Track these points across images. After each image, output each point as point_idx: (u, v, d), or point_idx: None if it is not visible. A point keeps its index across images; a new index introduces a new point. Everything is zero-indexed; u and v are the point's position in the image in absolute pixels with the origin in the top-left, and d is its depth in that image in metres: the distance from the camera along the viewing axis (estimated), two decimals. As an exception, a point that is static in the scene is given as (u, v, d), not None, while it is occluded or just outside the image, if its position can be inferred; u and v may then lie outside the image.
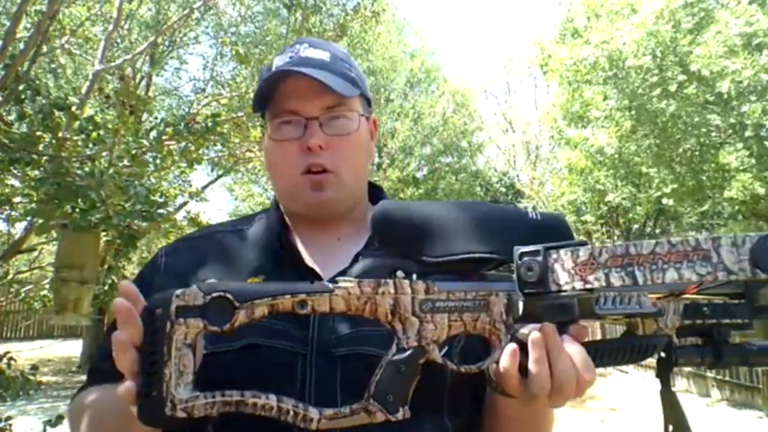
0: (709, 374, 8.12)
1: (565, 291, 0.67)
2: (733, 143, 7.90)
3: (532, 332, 0.68)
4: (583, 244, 0.68)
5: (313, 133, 0.90)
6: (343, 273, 0.87)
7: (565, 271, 0.67)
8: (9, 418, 3.03)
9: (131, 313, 0.65)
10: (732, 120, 7.80)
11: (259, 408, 0.65)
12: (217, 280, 0.69)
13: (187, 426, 0.65)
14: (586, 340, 0.71)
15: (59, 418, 2.98)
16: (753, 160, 7.55)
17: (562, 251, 0.68)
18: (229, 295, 0.65)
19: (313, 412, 0.65)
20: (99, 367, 0.90)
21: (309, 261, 0.91)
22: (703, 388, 8.26)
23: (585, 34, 9.12)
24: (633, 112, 8.64)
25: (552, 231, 0.72)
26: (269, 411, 0.65)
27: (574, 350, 0.67)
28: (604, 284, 0.66)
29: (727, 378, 7.77)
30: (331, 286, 0.68)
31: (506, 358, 0.68)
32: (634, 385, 9.04)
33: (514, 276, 0.69)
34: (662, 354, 0.73)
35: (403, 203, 0.77)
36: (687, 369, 8.57)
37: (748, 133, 7.45)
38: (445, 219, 0.72)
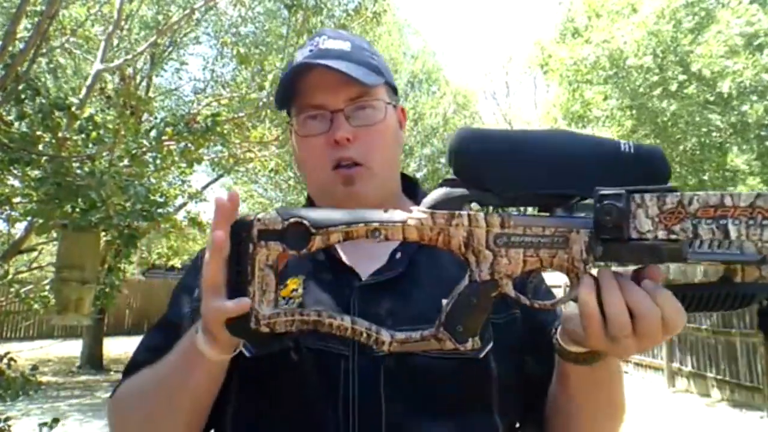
0: (710, 374, 8.12)
1: (647, 240, 0.63)
2: (737, 144, 7.90)
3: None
4: (673, 190, 0.63)
5: (340, 126, 0.88)
6: (380, 272, 0.87)
7: (648, 218, 0.63)
8: (9, 418, 3.02)
9: (232, 215, 0.68)
10: (733, 120, 7.80)
11: (335, 328, 0.67)
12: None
13: (270, 340, 0.73)
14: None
15: (55, 421, 2.98)
16: (759, 162, 7.56)
17: (647, 196, 0.63)
18: (306, 221, 0.67)
19: (385, 335, 0.67)
20: (143, 360, 0.89)
21: (345, 259, 0.90)
22: (704, 388, 8.25)
23: (585, 34, 9.11)
24: (634, 112, 8.64)
25: (646, 166, 0.66)
26: (344, 331, 0.67)
27: (650, 286, 0.63)
28: (691, 236, 0.62)
29: (728, 378, 7.77)
30: (405, 215, 0.67)
31: (584, 289, 0.63)
32: (634, 385, 9.03)
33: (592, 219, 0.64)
34: (764, 303, 0.67)
35: (483, 131, 0.72)
36: (687, 369, 8.56)
37: (751, 135, 7.45)
38: (527, 149, 0.68)
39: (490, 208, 0.69)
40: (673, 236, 0.62)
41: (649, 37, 7.84)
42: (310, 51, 0.92)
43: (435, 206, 0.68)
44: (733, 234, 0.61)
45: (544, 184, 0.67)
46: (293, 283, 0.85)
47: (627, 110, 8.79)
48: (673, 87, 7.80)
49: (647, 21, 7.85)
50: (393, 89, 0.99)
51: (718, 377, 7.95)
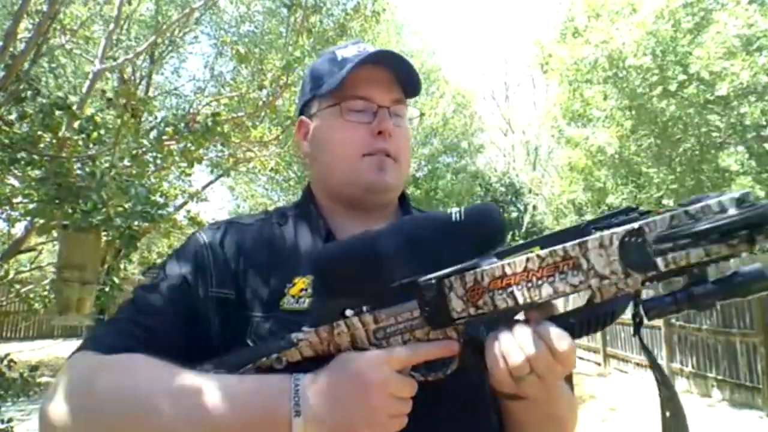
0: (710, 374, 8.12)
1: (462, 318, 0.69)
2: (733, 144, 7.90)
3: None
4: (505, 254, 0.68)
5: (387, 119, 0.95)
6: None
7: (459, 299, 0.69)
8: (11, 419, 3.02)
9: None
10: (732, 120, 7.80)
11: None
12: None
13: None
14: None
15: None
16: (753, 162, 7.55)
17: (453, 278, 0.69)
18: (221, 371, 0.75)
19: None
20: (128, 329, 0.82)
21: None
22: (704, 389, 8.26)
23: (585, 34, 9.10)
24: (633, 112, 8.64)
25: (477, 230, 0.72)
26: None
27: (532, 324, 0.68)
28: (491, 308, 0.68)
29: (728, 378, 7.77)
30: (295, 339, 0.76)
31: (488, 340, 0.69)
32: (634, 385, 9.03)
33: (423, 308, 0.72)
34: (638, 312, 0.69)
35: (337, 244, 0.83)
36: (688, 369, 8.56)
37: (749, 135, 7.45)
38: (379, 248, 0.74)
39: (364, 308, 0.74)
40: (480, 311, 0.68)
41: (648, 37, 7.84)
42: (359, 51, 0.98)
43: (317, 323, 0.76)
44: (520, 299, 0.67)
45: (402, 275, 0.72)
46: (302, 283, 0.86)
47: (626, 110, 8.79)
48: (673, 87, 7.80)
49: (646, 21, 7.84)
50: None
51: (719, 377, 7.95)
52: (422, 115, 13.96)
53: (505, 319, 0.69)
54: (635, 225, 0.63)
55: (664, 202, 9.32)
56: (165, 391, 0.71)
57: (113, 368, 0.75)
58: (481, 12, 55.72)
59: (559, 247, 0.65)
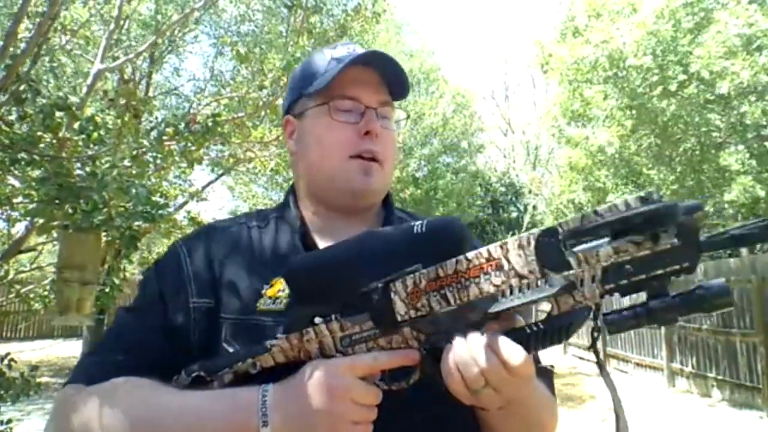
0: (710, 374, 8.12)
1: (405, 321, 0.72)
2: (734, 144, 7.88)
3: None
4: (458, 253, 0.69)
5: (374, 120, 0.95)
6: None
7: (402, 302, 0.72)
8: (10, 420, 3.02)
9: None
10: (732, 120, 7.79)
11: None
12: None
13: None
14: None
15: None
16: (754, 162, 7.54)
17: (397, 282, 0.72)
18: (202, 373, 0.81)
19: None
20: (116, 360, 0.85)
21: None
22: (704, 389, 8.26)
23: (586, 33, 9.10)
24: (633, 112, 8.63)
25: (437, 241, 0.73)
26: None
27: (487, 337, 0.68)
28: (428, 310, 0.70)
29: (728, 378, 7.77)
30: (268, 345, 0.80)
31: (444, 353, 0.70)
32: (634, 385, 9.03)
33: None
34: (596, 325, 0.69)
35: (306, 256, 0.87)
36: (688, 369, 8.56)
37: (749, 135, 7.44)
38: (345, 260, 0.77)
39: (333, 317, 0.78)
40: (420, 313, 0.71)
41: (649, 36, 7.83)
42: (348, 52, 0.98)
43: (289, 329, 0.79)
44: (451, 300, 0.69)
45: (368, 285, 0.74)
46: (279, 284, 0.88)
47: (627, 110, 8.77)
48: (673, 87, 7.79)
49: (647, 21, 7.83)
50: None
51: (719, 377, 7.95)
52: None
53: (463, 330, 0.70)
54: (551, 225, 0.64)
55: (664, 202, 9.28)
56: (138, 419, 0.76)
57: (88, 401, 0.80)
58: (480, 12, 55.73)
59: (483, 249, 0.67)
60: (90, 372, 0.85)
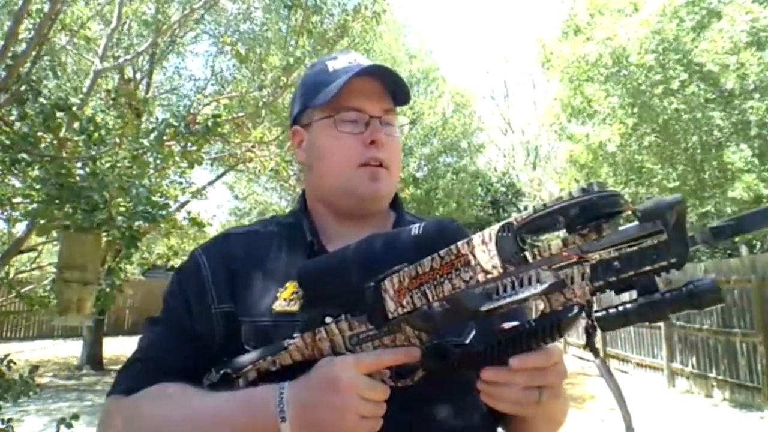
0: (710, 374, 8.11)
1: (395, 318, 0.75)
2: (736, 142, 7.87)
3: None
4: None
5: (379, 129, 1.00)
6: None
7: (390, 299, 0.75)
8: (10, 420, 3.01)
9: None
10: (734, 118, 7.78)
11: None
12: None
13: None
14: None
15: (74, 417, 3.00)
16: (756, 160, 7.53)
17: (386, 281, 0.75)
18: (229, 370, 0.86)
19: None
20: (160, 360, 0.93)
21: None
22: (704, 389, 8.26)
23: (587, 31, 9.09)
24: (635, 110, 8.62)
25: (435, 241, 0.75)
26: None
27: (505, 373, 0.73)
28: (412, 307, 0.73)
29: (729, 378, 7.76)
30: (286, 344, 0.84)
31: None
32: (634, 385, 9.03)
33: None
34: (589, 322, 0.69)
35: (316, 261, 0.90)
36: (688, 369, 8.56)
37: (752, 132, 7.42)
38: (350, 262, 0.82)
39: (343, 316, 0.81)
40: (405, 310, 0.74)
41: (652, 35, 7.82)
42: (349, 63, 1.04)
43: (305, 328, 0.84)
44: (430, 296, 0.71)
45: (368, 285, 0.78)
46: (293, 287, 0.92)
47: (629, 108, 8.76)
48: (675, 85, 7.78)
49: (650, 19, 7.82)
50: None
51: (719, 377, 7.94)
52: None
53: (460, 330, 0.78)
54: (509, 220, 0.65)
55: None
56: (167, 420, 0.84)
57: (124, 410, 0.90)
58: (481, 11, 55.71)
59: (453, 246, 0.69)
60: (129, 384, 0.92)
